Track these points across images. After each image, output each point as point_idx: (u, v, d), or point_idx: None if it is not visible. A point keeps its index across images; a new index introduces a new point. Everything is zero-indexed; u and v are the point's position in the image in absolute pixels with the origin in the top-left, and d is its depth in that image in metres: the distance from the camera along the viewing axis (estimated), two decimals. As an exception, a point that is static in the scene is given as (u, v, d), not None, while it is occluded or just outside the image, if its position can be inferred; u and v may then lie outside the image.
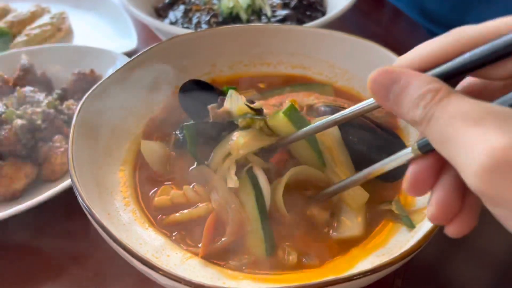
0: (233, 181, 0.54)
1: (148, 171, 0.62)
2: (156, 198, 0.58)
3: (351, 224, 0.55)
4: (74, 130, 0.56)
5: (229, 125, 0.58)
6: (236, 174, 0.55)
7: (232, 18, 1.03)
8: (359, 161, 0.56)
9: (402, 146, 0.60)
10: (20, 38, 1.05)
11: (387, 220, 0.55)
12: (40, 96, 0.81)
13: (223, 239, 0.53)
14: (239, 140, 0.55)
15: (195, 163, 0.60)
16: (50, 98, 0.81)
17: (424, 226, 0.49)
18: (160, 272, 0.43)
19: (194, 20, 1.04)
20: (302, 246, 0.53)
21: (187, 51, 0.74)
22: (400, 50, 0.42)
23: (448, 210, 0.36)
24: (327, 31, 0.75)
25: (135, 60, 0.67)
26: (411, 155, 0.38)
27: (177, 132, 0.65)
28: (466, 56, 0.35)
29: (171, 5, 1.10)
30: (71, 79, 0.87)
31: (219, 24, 1.03)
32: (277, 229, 0.54)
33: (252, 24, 0.99)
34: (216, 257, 0.52)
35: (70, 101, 0.82)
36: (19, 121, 0.73)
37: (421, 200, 0.56)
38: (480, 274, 0.63)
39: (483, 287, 0.62)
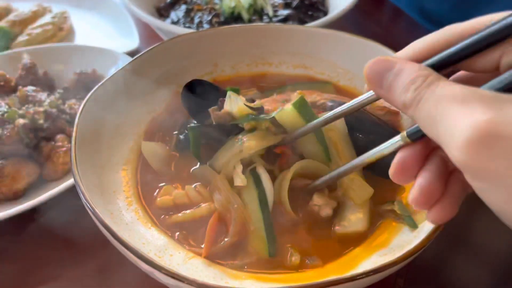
0: (240, 179, 0.54)
1: (150, 171, 0.62)
2: (158, 198, 0.58)
3: (355, 219, 0.55)
4: (77, 129, 0.56)
5: (234, 128, 0.58)
6: (239, 173, 0.55)
7: (234, 18, 1.04)
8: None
9: None
10: (21, 38, 1.05)
11: (390, 220, 0.55)
12: (42, 95, 0.81)
13: (226, 239, 0.53)
14: (250, 143, 0.54)
15: (198, 164, 0.61)
16: (52, 97, 0.81)
17: (427, 226, 0.49)
18: (163, 271, 0.43)
19: (196, 20, 1.04)
20: (305, 246, 0.53)
21: (189, 51, 0.74)
22: (400, 49, 0.43)
23: (430, 194, 0.38)
24: (329, 31, 0.75)
25: (137, 60, 0.67)
26: (401, 143, 0.40)
27: (179, 133, 0.65)
28: (452, 48, 0.38)
29: (172, 5, 1.10)
30: (73, 78, 0.87)
31: (221, 24, 1.03)
32: (280, 228, 0.54)
33: (254, 24, 0.99)
34: (219, 257, 0.52)
35: (72, 101, 0.82)
36: (21, 121, 0.73)
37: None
38: (482, 274, 0.63)
39: (485, 287, 0.62)
